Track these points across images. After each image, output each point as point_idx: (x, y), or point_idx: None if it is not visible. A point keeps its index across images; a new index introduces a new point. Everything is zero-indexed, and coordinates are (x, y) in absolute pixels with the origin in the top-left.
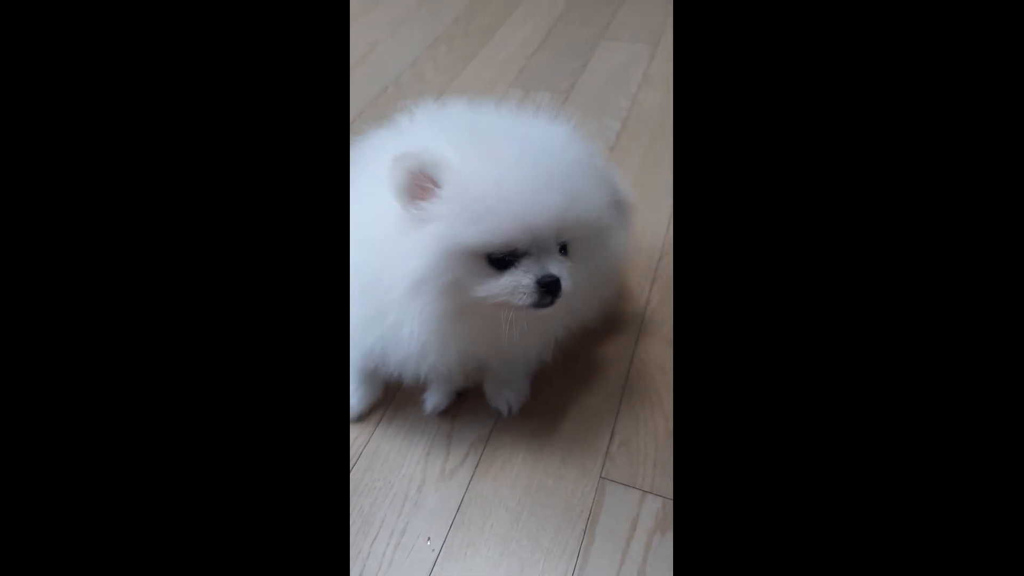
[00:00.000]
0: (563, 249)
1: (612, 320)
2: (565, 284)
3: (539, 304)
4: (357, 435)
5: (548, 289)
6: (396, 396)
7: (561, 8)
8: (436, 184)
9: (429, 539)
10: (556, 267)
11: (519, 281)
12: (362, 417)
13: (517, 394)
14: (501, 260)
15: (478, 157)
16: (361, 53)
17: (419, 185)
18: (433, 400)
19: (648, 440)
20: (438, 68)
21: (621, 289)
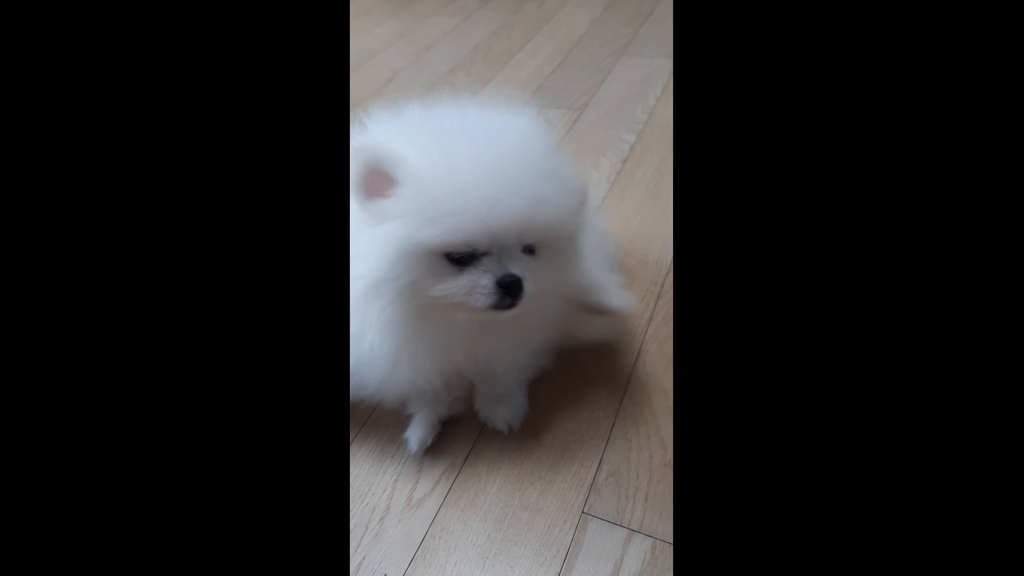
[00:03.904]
0: (529, 250)
1: (609, 338)
2: (527, 285)
3: (499, 306)
4: None
5: (508, 290)
6: (369, 419)
7: (584, 28)
8: (393, 181)
9: (385, 575)
10: (518, 267)
11: (477, 281)
12: None
13: (514, 409)
14: (461, 259)
15: (438, 155)
16: (381, 82)
17: (376, 181)
18: (417, 435)
19: (641, 471)
20: (454, 92)
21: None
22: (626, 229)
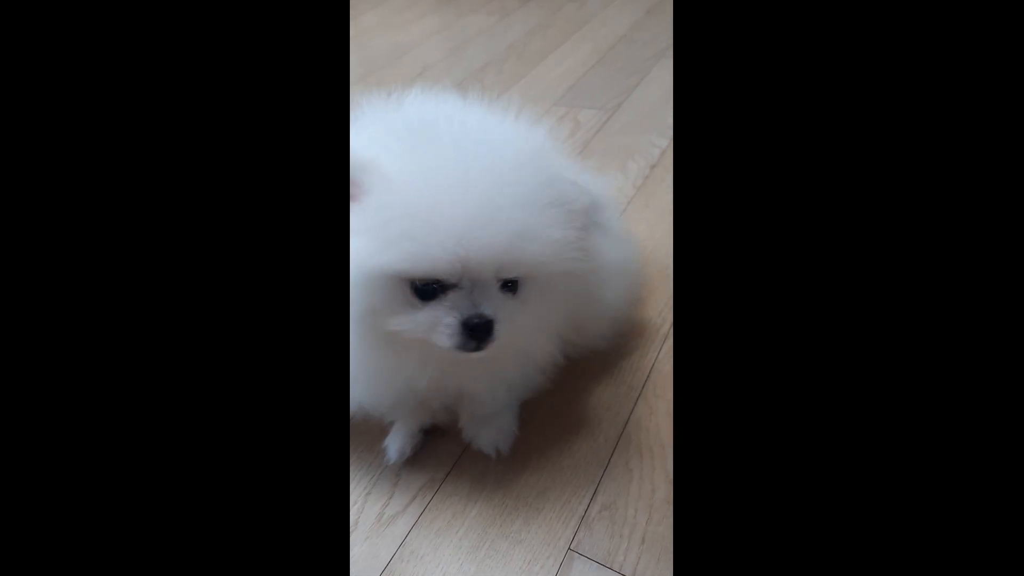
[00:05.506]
0: (510, 284)
1: (618, 352)
2: (499, 329)
3: (463, 347)
4: None
5: (474, 332)
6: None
7: (624, 30)
8: (360, 189)
9: None
10: (491, 306)
11: (440, 319)
12: None
13: (502, 433)
14: (426, 289)
15: (411, 163)
16: (411, 76)
17: None
18: (396, 446)
19: (640, 506)
20: (483, 89)
21: (632, 320)
22: (649, 237)
